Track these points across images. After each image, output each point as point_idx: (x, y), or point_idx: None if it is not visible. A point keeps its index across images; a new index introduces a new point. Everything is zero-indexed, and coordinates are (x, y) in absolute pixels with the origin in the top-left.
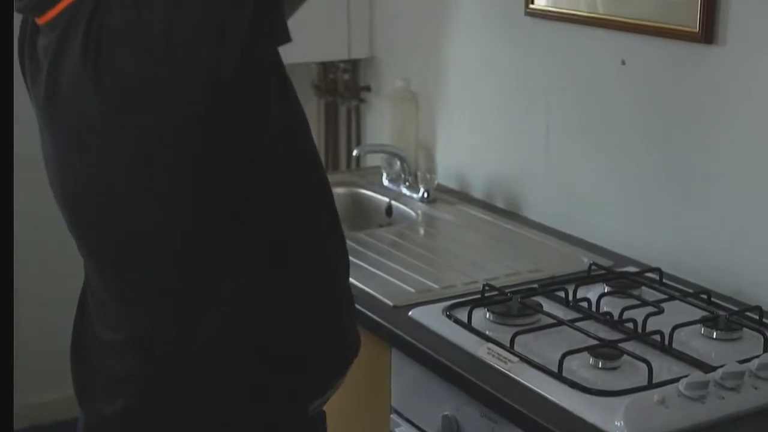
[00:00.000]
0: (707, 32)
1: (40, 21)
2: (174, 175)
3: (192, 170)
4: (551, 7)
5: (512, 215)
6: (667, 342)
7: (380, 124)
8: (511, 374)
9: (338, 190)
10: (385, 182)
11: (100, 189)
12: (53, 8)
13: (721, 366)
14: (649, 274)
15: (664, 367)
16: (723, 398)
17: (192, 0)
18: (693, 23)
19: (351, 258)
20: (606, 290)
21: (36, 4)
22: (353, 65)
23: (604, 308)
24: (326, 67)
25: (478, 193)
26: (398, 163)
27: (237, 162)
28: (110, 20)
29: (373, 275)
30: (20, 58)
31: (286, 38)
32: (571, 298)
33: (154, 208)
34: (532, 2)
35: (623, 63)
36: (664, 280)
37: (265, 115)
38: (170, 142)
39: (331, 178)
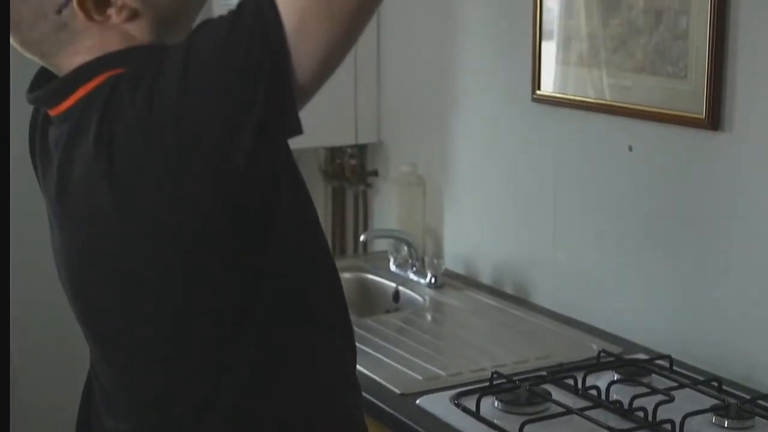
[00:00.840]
0: (714, 119)
1: (52, 113)
2: (187, 268)
3: (205, 263)
4: (558, 93)
5: (520, 301)
6: (678, 431)
7: (387, 209)
8: None
9: (345, 275)
10: (392, 267)
11: (110, 281)
12: (65, 101)
13: None
14: (659, 361)
15: None
16: None
17: (202, 96)
18: (699, 110)
19: (357, 344)
20: (615, 378)
21: (48, 97)
22: (360, 150)
23: (613, 396)
24: (333, 152)
25: (485, 279)
26: (405, 248)
27: (249, 253)
28: (122, 115)
29: (380, 362)
30: (31, 148)
31: (298, 131)
32: (580, 386)
33: (166, 301)
34: (539, 88)
35: (630, 149)
36: (674, 368)
37: (276, 205)
38: (184, 237)
39: (338, 263)
